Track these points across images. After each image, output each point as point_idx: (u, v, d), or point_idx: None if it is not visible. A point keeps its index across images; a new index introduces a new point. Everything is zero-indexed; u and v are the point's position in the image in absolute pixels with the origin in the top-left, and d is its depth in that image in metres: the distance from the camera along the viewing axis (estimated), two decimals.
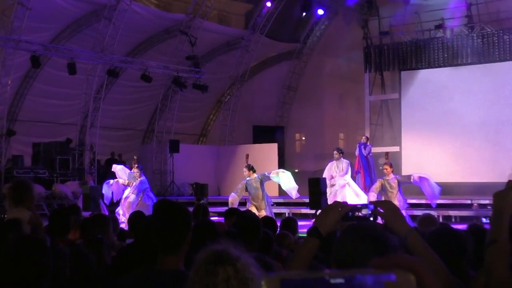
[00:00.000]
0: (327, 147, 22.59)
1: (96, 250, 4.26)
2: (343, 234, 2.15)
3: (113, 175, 15.46)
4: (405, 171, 18.95)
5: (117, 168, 15.41)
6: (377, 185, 13.24)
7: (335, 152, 15.15)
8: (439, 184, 13.10)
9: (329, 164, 15.24)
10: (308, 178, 14.51)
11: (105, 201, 14.97)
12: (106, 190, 15.06)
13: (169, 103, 24.08)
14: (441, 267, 2.19)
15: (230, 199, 13.01)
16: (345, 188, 14.85)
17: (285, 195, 14.30)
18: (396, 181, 12.90)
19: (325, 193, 14.07)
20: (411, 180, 12.92)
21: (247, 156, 17.78)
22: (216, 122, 26.80)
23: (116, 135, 23.90)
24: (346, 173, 14.94)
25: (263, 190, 13.05)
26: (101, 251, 4.30)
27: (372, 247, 2.01)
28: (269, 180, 13.20)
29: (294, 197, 13.65)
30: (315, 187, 13.75)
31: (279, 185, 14.11)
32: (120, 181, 15.00)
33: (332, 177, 14.92)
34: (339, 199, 14.41)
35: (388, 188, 12.91)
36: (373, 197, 13.22)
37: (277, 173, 13.24)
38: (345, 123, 25.07)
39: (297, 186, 13.30)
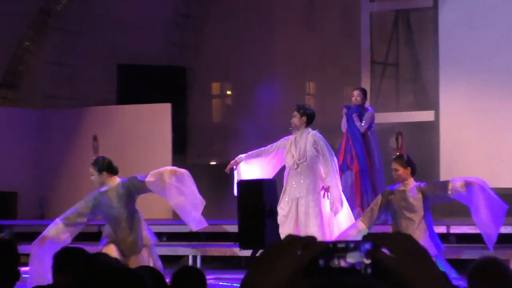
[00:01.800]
0: (280, 112, 22.64)
1: None
2: None
3: None
4: (444, 166, 19.21)
5: None
6: (376, 203, 13.42)
7: (294, 113, 15.25)
8: (503, 198, 13.15)
9: (282, 141, 15.39)
10: (238, 179, 14.52)
11: None
12: None
13: None
14: None
15: (48, 232, 13.05)
16: (325, 203, 14.96)
17: None
18: (419, 194, 13.11)
19: (274, 213, 14.11)
20: (449, 193, 13.10)
21: (96, 138, 17.34)
22: (36, 57, 26.63)
23: None
24: (333, 169, 15.02)
25: (133, 212, 13.17)
26: None
27: None
28: (147, 191, 13.26)
29: (194, 229, 13.87)
30: (251, 200, 13.80)
31: None
32: None
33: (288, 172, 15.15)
34: (311, 229, 14.45)
35: (403, 208, 13.08)
36: (361, 227, 13.26)
37: (161, 174, 13.23)
38: (319, 61, 25.30)
39: (203, 202, 13.35)
